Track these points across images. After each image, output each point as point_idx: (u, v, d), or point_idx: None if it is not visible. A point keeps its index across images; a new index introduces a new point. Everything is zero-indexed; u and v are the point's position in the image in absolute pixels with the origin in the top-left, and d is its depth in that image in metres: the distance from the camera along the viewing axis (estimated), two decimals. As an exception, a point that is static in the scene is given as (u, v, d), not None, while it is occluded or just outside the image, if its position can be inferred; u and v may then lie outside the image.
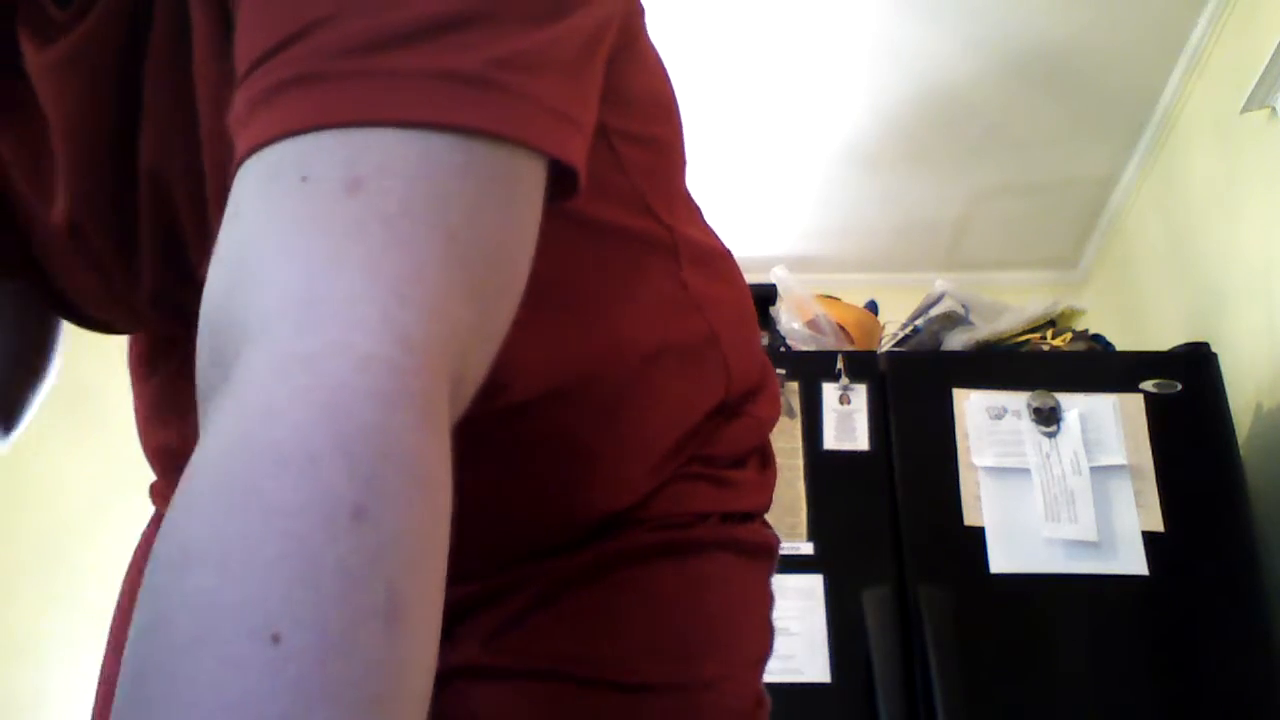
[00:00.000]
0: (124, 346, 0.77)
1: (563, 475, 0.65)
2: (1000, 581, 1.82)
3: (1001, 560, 1.82)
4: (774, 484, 0.78)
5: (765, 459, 0.77)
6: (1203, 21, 2.28)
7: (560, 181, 0.46)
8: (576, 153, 0.45)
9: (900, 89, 2.51)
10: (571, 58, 0.46)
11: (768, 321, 2.40)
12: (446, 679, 0.68)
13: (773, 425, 0.78)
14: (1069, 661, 1.77)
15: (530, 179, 0.44)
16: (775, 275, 2.42)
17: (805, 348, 2.27)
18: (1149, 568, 1.80)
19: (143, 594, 0.33)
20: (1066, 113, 2.56)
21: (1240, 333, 2.17)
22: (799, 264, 2.78)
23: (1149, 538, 1.82)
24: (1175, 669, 1.77)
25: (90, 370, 2.99)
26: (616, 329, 0.64)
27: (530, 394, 0.60)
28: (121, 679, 0.32)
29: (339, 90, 0.40)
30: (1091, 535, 1.82)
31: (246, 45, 0.43)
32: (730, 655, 0.67)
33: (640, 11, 0.63)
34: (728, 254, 0.77)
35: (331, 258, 0.37)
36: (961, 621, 1.78)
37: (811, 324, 2.32)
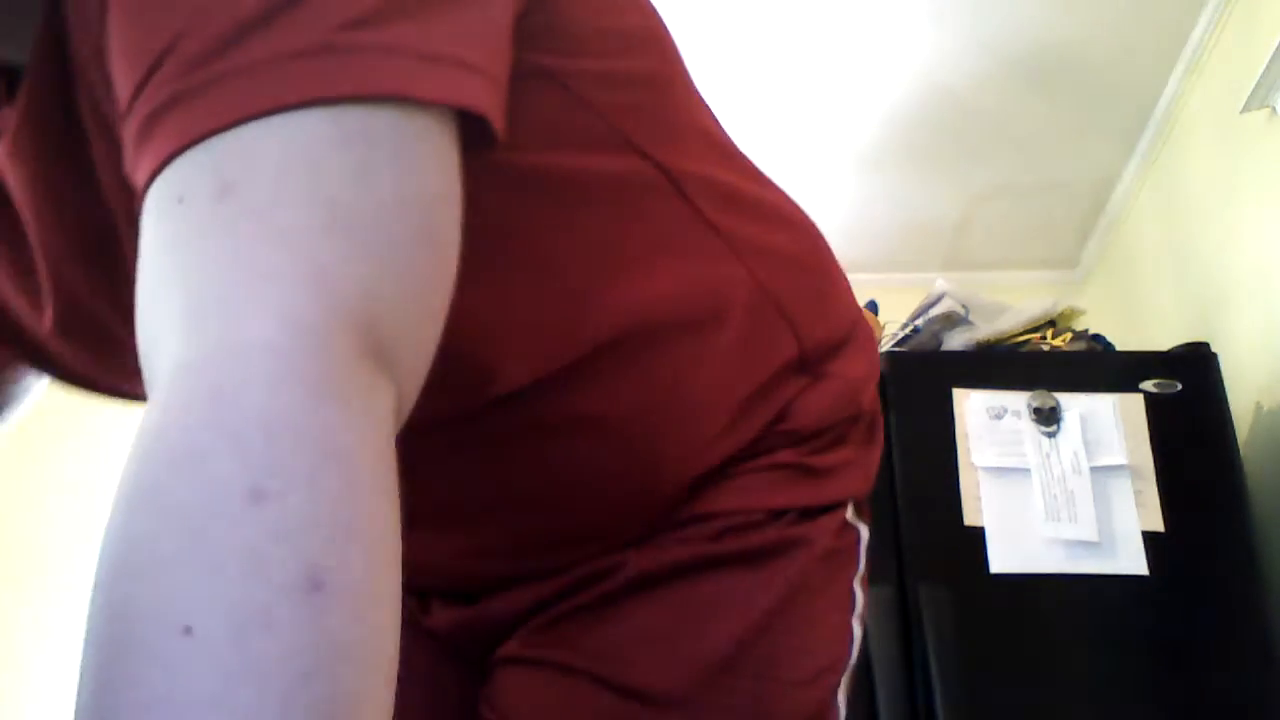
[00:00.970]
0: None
1: (614, 456, 0.63)
2: (1000, 581, 1.81)
3: (1001, 560, 1.82)
4: (877, 462, 0.74)
5: (871, 431, 0.73)
6: (1203, 22, 2.28)
7: (480, 128, 0.44)
8: (465, 92, 0.43)
9: (901, 90, 2.51)
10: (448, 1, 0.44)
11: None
12: (490, 667, 0.67)
13: (873, 382, 0.73)
14: (1069, 661, 1.77)
15: (420, 131, 0.42)
16: (775, 275, 2.42)
17: (805, 348, 2.27)
18: (1149, 567, 1.80)
19: (87, 608, 0.34)
20: (1067, 113, 2.56)
21: (1240, 332, 2.17)
22: (799, 264, 2.77)
23: (1149, 537, 1.82)
24: (1175, 669, 1.77)
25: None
26: (612, 289, 0.60)
27: (528, 377, 0.58)
28: (77, 689, 0.33)
29: (192, 106, 0.40)
30: (1091, 535, 1.82)
31: (119, 91, 0.43)
32: (778, 673, 0.65)
33: None
34: (791, 207, 0.72)
35: (206, 265, 0.38)
36: (961, 621, 1.78)
37: (811, 324, 2.32)
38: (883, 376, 1.99)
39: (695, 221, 0.63)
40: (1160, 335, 2.48)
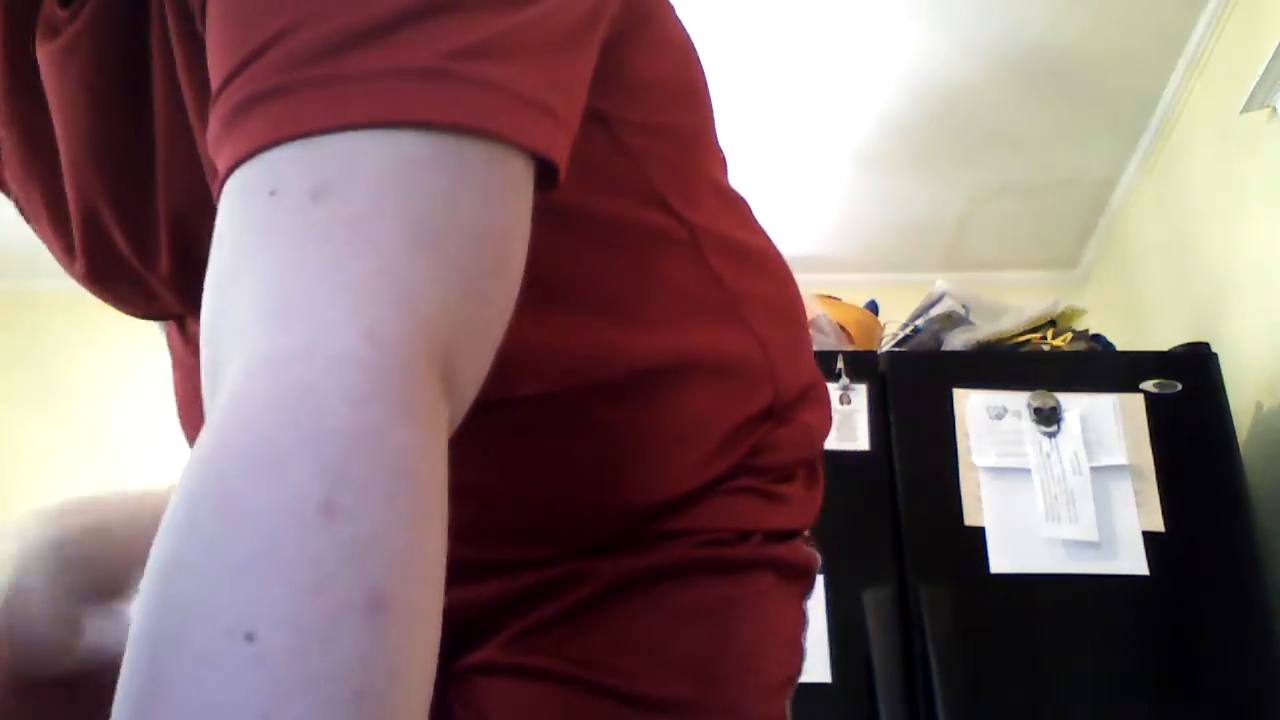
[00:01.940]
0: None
1: (600, 464, 0.64)
2: (1000, 581, 1.82)
3: (1002, 560, 1.82)
4: (820, 501, 0.77)
5: (813, 475, 0.76)
6: (1203, 22, 2.28)
7: (545, 171, 0.45)
8: (548, 140, 0.44)
9: (902, 90, 2.51)
10: (545, 43, 0.45)
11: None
12: (463, 675, 0.67)
13: (824, 435, 0.77)
14: (1069, 661, 1.77)
15: (506, 168, 0.43)
16: (775, 275, 2.42)
17: (805, 348, 2.27)
18: (1149, 567, 1.80)
19: (138, 601, 0.34)
20: (1067, 113, 2.56)
21: (1240, 332, 2.17)
22: (800, 264, 2.76)
23: (1149, 537, 1.82)
24: (1175, 668, 1.77)
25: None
26: (625, 331, 0.62)
27: (532, 393, 0.60)
28: (120, 684, 0.33)
29: (299, 101, 0.40)
30: (1092, 535, 1.82)
31: (214, 67, 0.43)
32: (754, 680, 0.66)
33: None
34: (775, 254, 0.74)
35: (299, 265, 0.38)
36: (962, 621, 1.78)
37: (812, 324, 2.32)
38: (883, 376, 2.00)
39: (706, 275, 0.66)
40: (1161, 335, 2.48)
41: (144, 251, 0.60)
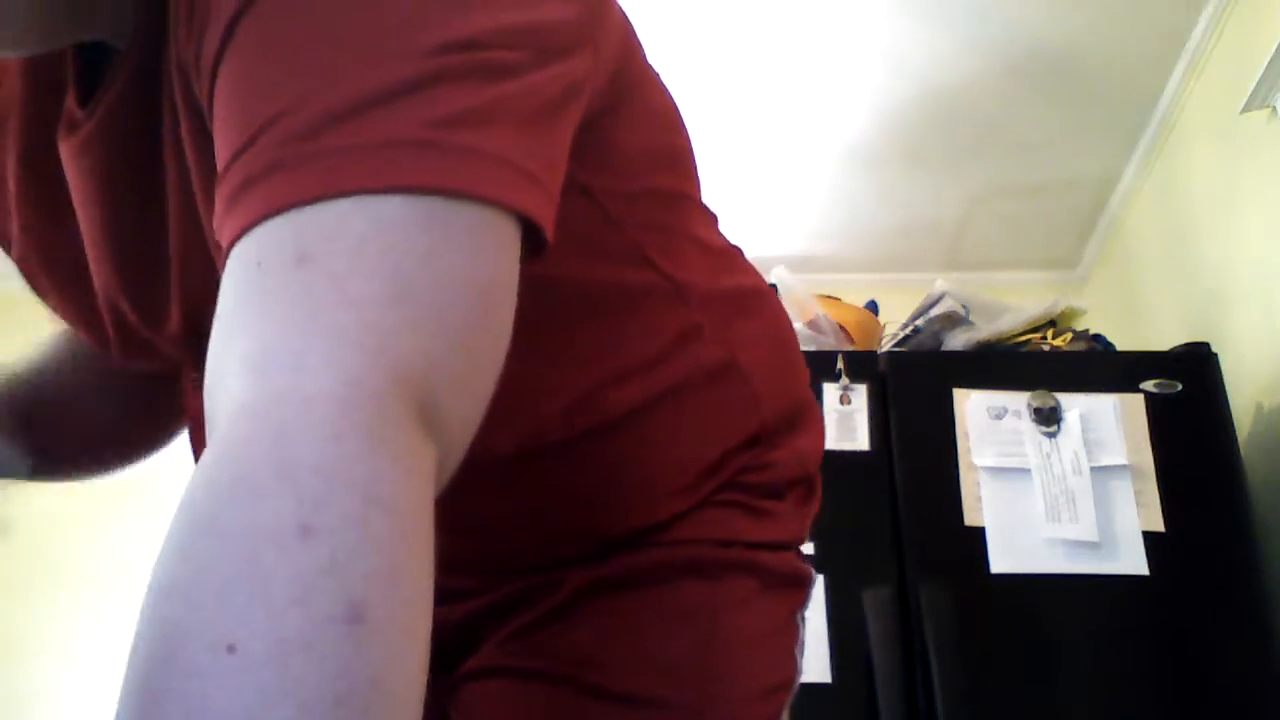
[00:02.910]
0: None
1: (587, 495, 0.68)
2: (1000, 581, 1.82)
3: (1002, 560, 1.82)
4: (814, 516, 0.79)
5: (810, 492, 0.78)
6: (1203, 22, 2.28)
7: (532, 235, 0.48)
8: (531, 202, 0.47)
9: (901, 89, 2.51)
10: (524, 114, 0.48)
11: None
12: (456, 684, 0.70)
13: (817, 456, 0.79)
14: (1069, 661, 1.77)
15: (491, 229, 0.46)
16: (776, 275, 2.42)
17: (806, 348, 2.26)
18: (1149, 568, 1.80)
19: (135, 627, 0.36)
20: (1067, 113, 2.56)
21: (1241, 332, 2.17)
22: (799, 264, 2.78)
23: (1149, 538, 1.82)
24: (1175, 669, 1.77)
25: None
26: (613, 386, 0.66)
27: (511, 448, 0.63)
28: (118, 704, 0.35)
29: (287, 176, 0.43)
30: (1092, 535, 1.82)
31: (220, 156, 0.47)
32: (736, 682, 0.69)
33: (634, 60, 0.64)
34: (759, 290, 0.78)
35: (279, 322, 0.41)
36: (962, 621, 1.78)
37: (812, 324, 2.32)
38: (883, 376, 2.00)
39: (692, 324, 0.70)
40: (1160, 335, 2.48)
41: (154, 324, 0.64)
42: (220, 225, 0.45)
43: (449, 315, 0.43)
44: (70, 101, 0.60)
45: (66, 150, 0.60)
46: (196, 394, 0.74)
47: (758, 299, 0.78)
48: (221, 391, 0.41)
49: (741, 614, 0.70)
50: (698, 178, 0.73)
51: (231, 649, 0.33)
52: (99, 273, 0.63)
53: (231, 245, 0.44)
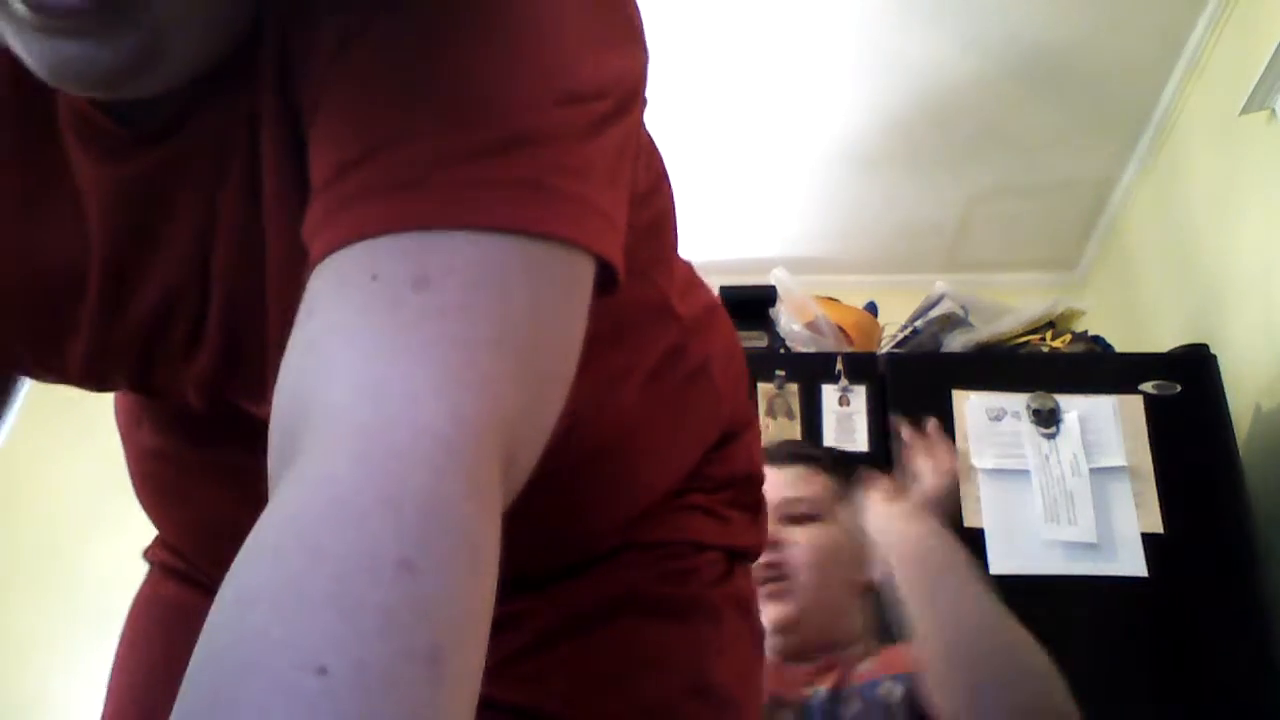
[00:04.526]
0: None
1: (568, 512, 0.69)
2: (999, 583, 1.80)
3: (1001, 561, 1.82)
4: (765, 530, 0.83)
5: (756, 506, 0.82)
6: (1202, 24, 2.28)
7: (600, 275, 0.50)
8: (617, 251, 0.49)
9: (900, 91, 2.51)
10: (608, 167, 0.50)
11: (766, 323, 2.40)
12: None
13: (760, 460, 0.84)
14: (1068, 663, 1.76)
15: (582, 276, 0.48)
16: (775, 277, 2.42)
17: (805, 349, 2.27)
18: (1148, 569, 1.80)
19: (204, 632, 0.36)
20: (1066, 114, 2.56)
21: (1239, 334, 2.17)
22: (799, 265, 2.78)
23: (1148, 539, 1.82)
24: (1174, 670, 1.77)
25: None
26: (606, 407, 0.68)
27: (557, 461, 0.64)
28: (179, 707, 0.34)
29: (409, 199, 0.44)
30: (1091, 537, 1.82)
31: (323, 160, 0.47)
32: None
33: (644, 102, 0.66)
34: (718, 305, 0.83)
35: (396, 347, 0.41)
36: (961, 623, 1.77)
37: (811, 325, 2.32)
38: (882, 378, 2.00)
39: (679, 337, 0.73)
40: (1160, 337, 2.48)
41: (191, 353, 0.62)
42: (322, 227, 0.45)
43: (539, 370, 0.45)
44: (96, 115, 0.56)
45: (108, 174, 0.57)
46: (185, 428, 0.72)
47: (718, 314, 0.81)
48: (319, 406, 0.41)
49: (722, 657, 0.72)
50: (672, 196, 0.76)
51: (322, 671, 0.33)
52: (151, 310, 0.60)
53: (336, 248, 0.44)
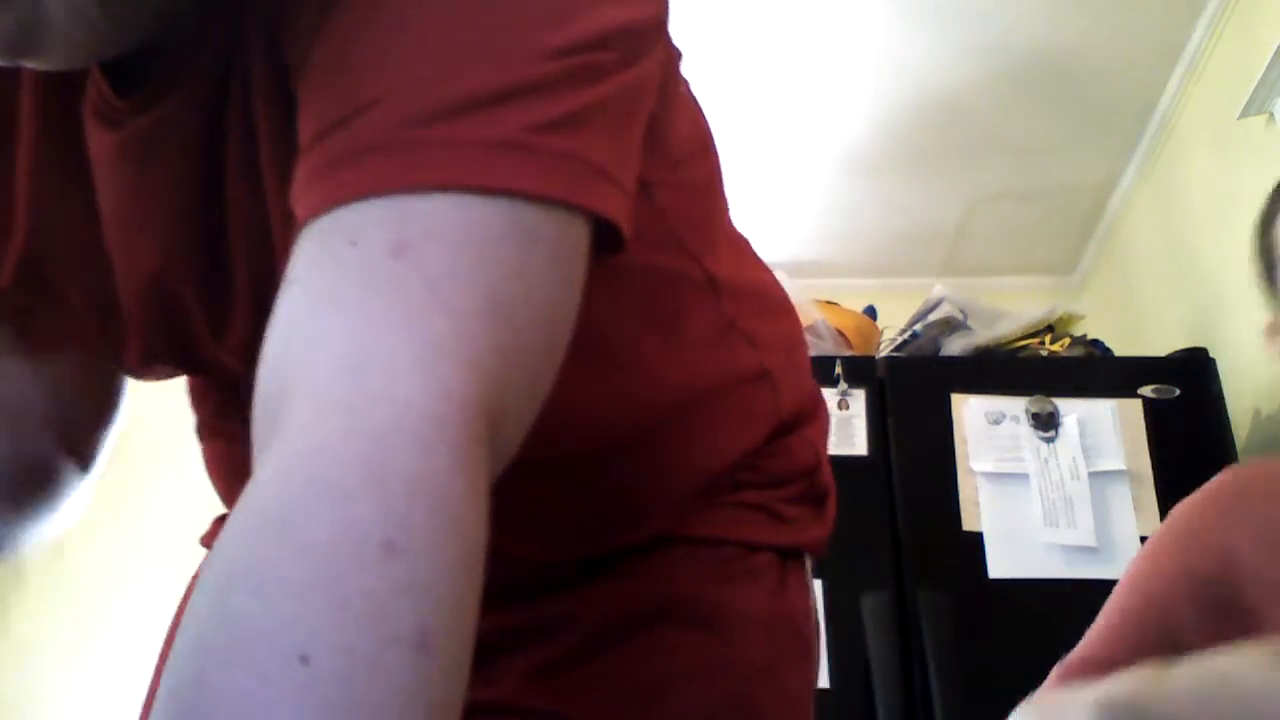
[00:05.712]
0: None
1: (606, 498, 0.66)
2: (999, 586, 1.82)
3: (1000, 565, 1.82)
4: (832, 521, 0.78)
5: (822, 498, 0.77)
6: (1200, 27, 2.28)
7: (603, 236, 0.48)
8: (618, 208, 0.47)
9: (899, 95, 2.51)
10: (613, 116, 0.47)
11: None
12: (480, 712, 0.67)
13: (824, 441, 0.79)
14: (1067, 667, 1.77)
15: (573, 237, 0.45)
16: (774, 280, 2.42)
17: (804, 353, 2.27)
18: (1147, 573, 1.80)
19: (185, 616, 0.35)
20: (1065, 119, 2.56)
21: (1238, 338, 2.17)
22: (798, 269, 2.78)
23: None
24: (1174, 674, 1.77)
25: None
26: (660, 374, 0.65)
27: (581, 445, 0.62)
28: (160, 694, 0.33)
29: (389, 160, 0.42)
30: (1090, 540, 1.82)
31: (308, 122, 0.46)
32: None
33: (678, 57, 0.63)
34: (776, 285, 0.78)
35: (377, 317, 0.40)
36: (960, 626, 1.78)
37: (810, 329, 2.32)
38: (881, 382, 2.00)
39: (724, 320, 0.69)
40: (1158, 340, 2.49)
41: (219, 325, 0.61)
42: (304, 193, 0.44)
43: (528, 339, 0.43)
44: (104, 89, 0.56)
45: (110, 146, 0.57)
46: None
47: (773, 294, 0.77)
48: (301, 378, 0.40)
49: (766, 680, 0.68)
50: (720, 166, 0.72)
51: (305, 660, 0.32)
52: (158, 274, 0.60)
53: (317, 214, 0.43)
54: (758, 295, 0.74)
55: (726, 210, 0.73)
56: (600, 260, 0.48)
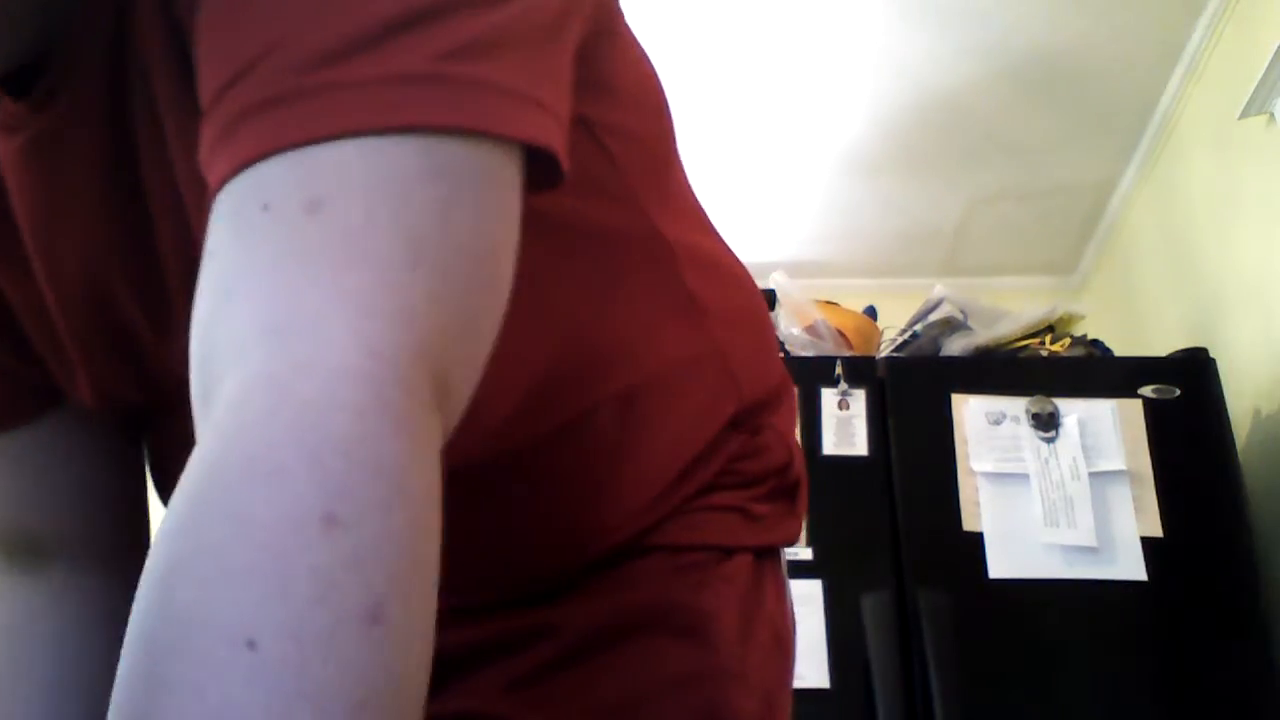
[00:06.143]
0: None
1: (568, 505, 0.64)
2: (999, 587, 1.81)
3: (1000, 565, 1.82)
4: (804, 512, 0.76)
5: (793, 491, 0.74)
6: (1201, 27, 2.28)
7: (541, 169, 0.45)
8: (546, 133, 0.44)
9: (900, 95, 2.51)
10: (530, 38, 0.44)
11: (766, 327, 2.40)
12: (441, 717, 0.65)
13: (793, 432, 0.76)
14: (1068, 667, 1.77)
15: (501, 169, 0.43)
16: (774, 281, 2.42)
17: (804, 353, 2.27)
18: (1147, 573, 1.80)
19: (134, 609, 0.34)
20: (1065, 119, 2.56)
21: (1239, 338, 2.17)
22: (798, 269, 2.78)
23: (1147, 543, 1.82)
24: (1174, 674, 1.77)
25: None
26: (607, 343, 0.62)
27: (507, 410, 0.58)
28: (114, 691, 0.33)
29: (289, 112, 0.39)
30: (1090, 540, 1.82)
31: (206, 85, 0.43)
32: None
33: (615, 1, 0.60)
34: (735, 259, 0.74)
35: (297, 280, 0.38)
36: (960, 627, 1.77)
37: (810, 329, 2.32)
38: (881, 382, 2.00)
39: (678, 287, 0.65)
40: (1159, 341, 2.49)
41: (162, 324, 0.58)
42: (210, 161, 0.41)
43: (462, 281, 0.41)
44: (2, 95, 0.53)
45: (11, 148, 0.54)
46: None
47: (732, 267, 0.73)
48: (226, 354, 0.38)
49: (742, 683, 0.66)
50: (675, 136, 0.68)
51: (252, 645, 0.31)
52: (91, 279, 0.57)
53: (226, 181, 0.40)
54: (715, 266, 0.70)
55: (685, 179, 0.70)
56: (540, 193, 0.46)
